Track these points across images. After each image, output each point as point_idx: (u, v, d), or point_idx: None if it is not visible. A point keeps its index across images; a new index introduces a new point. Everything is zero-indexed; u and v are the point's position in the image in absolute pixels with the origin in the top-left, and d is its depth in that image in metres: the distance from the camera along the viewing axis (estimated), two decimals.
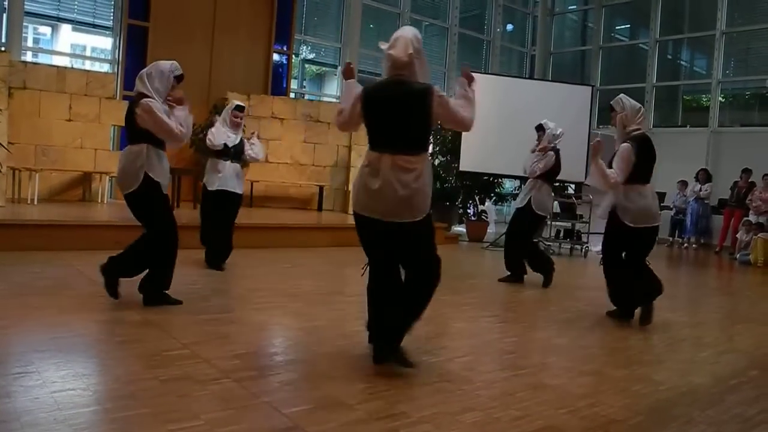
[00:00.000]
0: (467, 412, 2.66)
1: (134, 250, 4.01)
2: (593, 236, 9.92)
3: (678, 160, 11.56)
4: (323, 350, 3.39)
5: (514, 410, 2.70)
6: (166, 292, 4.13)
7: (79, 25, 10.59)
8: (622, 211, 4.52)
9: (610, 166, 4.52)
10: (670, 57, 14.98)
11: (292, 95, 11.94)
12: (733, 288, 7.84)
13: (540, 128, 6.14)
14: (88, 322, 3.68)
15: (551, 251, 9.43)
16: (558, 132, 6.09)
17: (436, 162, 10.66)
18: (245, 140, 5.87)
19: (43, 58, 10.24)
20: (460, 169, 10.02)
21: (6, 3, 8.99)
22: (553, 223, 10.11)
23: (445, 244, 3.15)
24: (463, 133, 8.66)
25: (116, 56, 10.02)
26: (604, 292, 4.86)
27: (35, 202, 7.92)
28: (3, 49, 8.79)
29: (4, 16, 9.06)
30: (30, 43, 10.72)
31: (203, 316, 3.95)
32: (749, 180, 11.05)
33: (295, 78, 12.48)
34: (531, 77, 15.15)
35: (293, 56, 11.90)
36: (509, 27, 16.23)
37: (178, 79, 4.08)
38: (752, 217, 10.48)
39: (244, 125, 5.94)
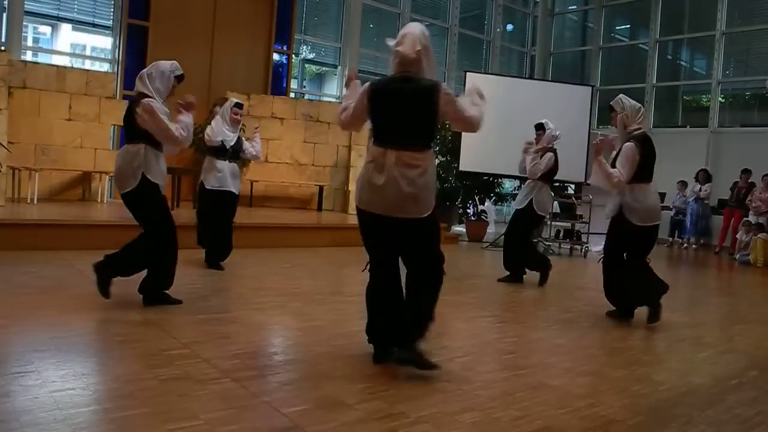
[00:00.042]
0: (466, 412, 2.65)
1: (132, 249, 3.99)
2: (593, 236, 9.93)
3: (678, 161, 11.56)
4: (323, 350, 3.39)
5: (514, 410, 2.70)
6: (167, 291, 4.12)
7: (79, 24, 10.58)
8: (629, 211, 4.52)
9: (612, 167, 4.53)
10: (670, 57, 14.98)
11: (292, 95, 11.94)
12: (732, 288, 7.84)
13: (540, 127, 6.14)
14: (88, 321, 3.68)
15: (551, 251, 9.44)
16: (557, 133, 6.12)
17: (436, 162, 10.64)
18: (243, 139, 5.86)
19: (43, 58, 10.23)
20: (460, 169, 10.02)
21: (6, 2, 8.99)
22: (553, 223, 10.12)
23: (444, 244, 3.17)
24: (463, 133, 8.66)
25: (116, 56, 10.02)
26: (603, 292, 4.86)
27: (35, 202, 7.92)
28: (3, 48, 8.79)
29: (4, 15, 9.05)
30: (30, 43, 10.72)
31: (203, 316, 3.95)
32: (749, 180, 11.05)
33: (295, 78, 12.48)
34: (531, 77, 15.15)
35: (293, 56, 11.90)
36: (509, 27, 16.23)
37: (179, 78, 4.07)
38: (752, 218, 10.48)
39: (243, 125, 5.94)
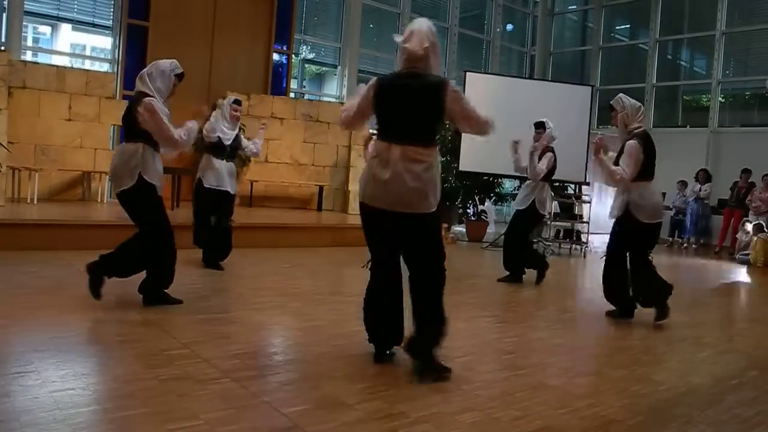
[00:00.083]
0: (466, 412, 2.66)
1: (126, 249, 3.95)
2: (592, 236, 9.94)
3: (678, 161, 11.56)
4: (323, 350, 3.39)
5: (514, 410, 2.70)
6: (166, 291, 4.12)
7: (78, 24, 10.58)
8: (636, 209, 4.53)
9: (615, 165, 4.55)
10: (669, 57, 14.98)
11: (291, 95, 11.94)
12: (732, 288, 7.84)
13: (541, 125, 6.16)
14: (88, 321, 3.68)
15: (551, 251, 9.44)
16: (555, 134, 6.16)
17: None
18: (242, 136, 5.86)
19: (42, 58, 10.23)
20: (460, 169, 10.02)
21: (6, 2, 8.99)
22: (553, 223, 10.12)
23: (444, 244, 3.22)
24: (463, 134, 8.65)
25: (116, 56, 10.02)
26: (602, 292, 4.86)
27: (35, 202, 7.91)
28: (3, 48, 8.79)
29: (4, 15, 9.05)
30: (30, 43, 10.71)
31: (203, 316, 3.95)
32: (749, 180, 11.06)
33: (294, 78, 12.48)
34: (531, 77, 15.15)
35: (293, 56, 11.90)
36: (509, 27, 16.23)
37: (179, 77, 4.06)
38: (752, 218, 10.48)
39: (243, 124, 5.94)
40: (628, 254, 4.69)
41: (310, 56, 13.17)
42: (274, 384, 2.83)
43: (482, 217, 11.03)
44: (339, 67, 12.89)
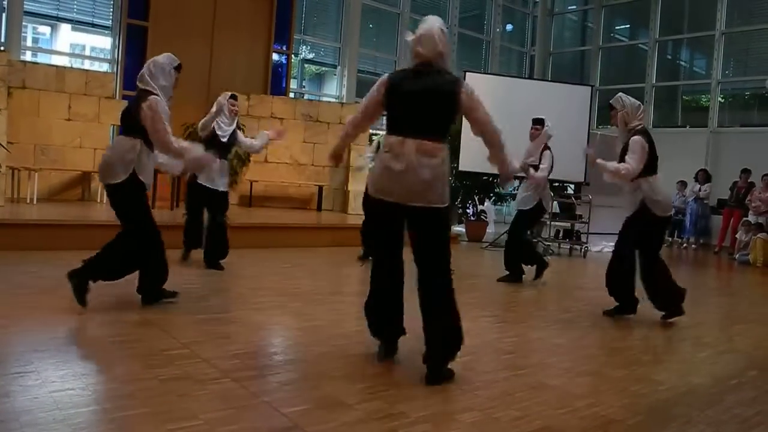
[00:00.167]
0: (466, 411, 2.66)
1: (111, 251, 3.86)
2: (592, 236, 9.94)
3: (677, 160, 11.56)
4: (322, 350, 3.39)
5: (514, 410, 2.70)
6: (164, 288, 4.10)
7: (78, 24, 10.58)
8: (652, 204, 4.57)
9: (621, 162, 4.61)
10: (669, 57, 14.99)
11: (291, 95, 11.94)
12: (732, 288, 7.84)
13: (540, 122, 6.17)
14: (88, 321, 3.68)
15: (551, 251, 9.44)
16: (552, 132, 6.18)
17: None
18: (238, 132, 5.85)
19: (42, 58, 10.23)
20: (460, 168, 10.01)
21: (5, 2, 8.99)
22: (552, 223, 10.12)
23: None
24: (463, 133, 8.64)
25: (115, 56, 10.02)
26: (603, 292, 4.87)
27: (34, 202, 7.91)
28: (2, 48, 8.79)
29: (4, 15, 9.06)
30: (29, 43, 10.71)
31: (203, 316, 3.95)
32: (748, 180, 11.06)
33: (294, 78, 12.48)
34: (530, 77, 15.16)
35: (293, 56, 11.90)
36: (509, 27, 16.24)
37: (178, 69, 4.03)
38: (751, 218, 10.49)
39: (243, 124, 5.93)
40: (638, 254, 4.71)
41: (310, 56, 13.18)
42: (274, 384, 2.83)
43: (482, 217, 11.03)
44: (338, 67, 12.89)
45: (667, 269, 4.72)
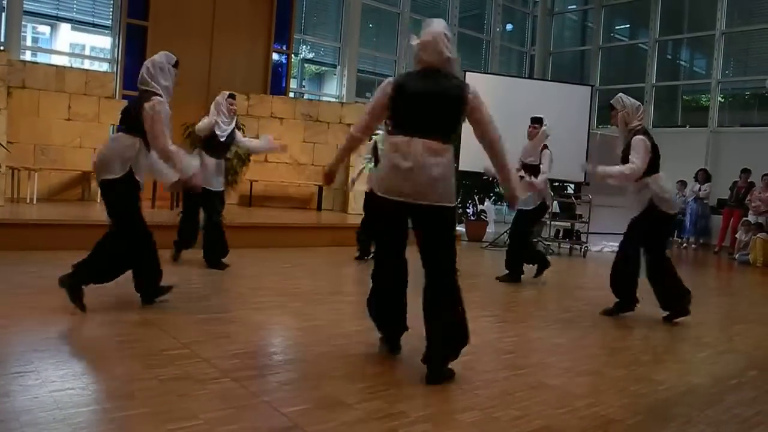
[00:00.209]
0: (466, 411, 2.66)
1: (100, 253, 3.85)
2: (592, 236, 9.94)
3: (677, 160, 11.51)
4: (322, 350, 3.39)
5: (513, 410, 2.70)
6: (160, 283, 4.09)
7: (78, 24, 10.58)
8: (660, 201, 4.59)
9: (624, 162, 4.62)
10: (669, 57, 14.99)
11: (291, 95, 11.94)
12: (732, 288, 7.84)
13: (539, 121, 6.17)
14: (88, 321, 3.68)
15: (551, 251, 9.44)
16: (550, 132, 6.19)
17: None
18: (237, 132, 5.86)
19: (42, 58, 10.23)
20: (460, 168, 10.00)
21: (5, 2, 8.99)
22: (553, 222, 10.12)
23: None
24: (463, 133, 8.63)
25: (115, 55, 10.02)
26: (603, 291, 4.87)
27: (34, 202, 7.91)
28: (2, 48, 8.79)
29: (3, 15, 9.05)
30: (29, 43, 10.70)
31: (203, 316, 3.95)
32: (748, 180, 11.06)
33: (294, 77, 12.48)
34: (530, 77, 15.15)
35: (293, 56, 11.90)
36: (509, 27, 16.24)
37: (176, 66, 4.03)
38: (751, 217, 10.49)
39: (243, 124, 5.93)
40: (645, 252, 4.73)
41: (310, 56, 13.18)
42: (274, 384, 2.83)
43: (482, 216, 11.03)
44: (338, 67, 12.89)
45: (673, 268, 4.73)
